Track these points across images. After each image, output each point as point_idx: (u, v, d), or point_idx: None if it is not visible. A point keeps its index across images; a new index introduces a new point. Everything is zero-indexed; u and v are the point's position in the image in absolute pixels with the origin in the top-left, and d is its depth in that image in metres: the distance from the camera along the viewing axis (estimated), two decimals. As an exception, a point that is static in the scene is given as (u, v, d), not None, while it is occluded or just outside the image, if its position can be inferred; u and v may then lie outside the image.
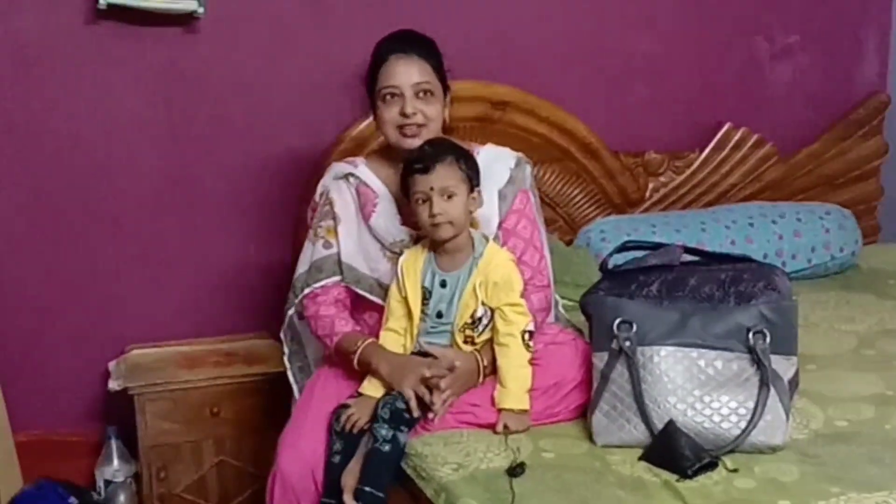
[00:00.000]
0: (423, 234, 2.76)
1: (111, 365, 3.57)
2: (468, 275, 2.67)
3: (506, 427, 2.56)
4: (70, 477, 3.50)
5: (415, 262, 2.72)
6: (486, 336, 2.70)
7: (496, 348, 2.67)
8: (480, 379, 2.66)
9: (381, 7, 3.67)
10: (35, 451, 3.51)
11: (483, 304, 2.66)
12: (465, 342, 2.69)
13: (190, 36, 3.53)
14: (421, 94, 2.78)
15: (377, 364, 2.66)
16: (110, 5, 3.32)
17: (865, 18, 4.55)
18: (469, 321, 2.68)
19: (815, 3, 4.43)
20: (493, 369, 2.66)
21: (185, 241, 3.68)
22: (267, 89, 3.65)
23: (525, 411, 2.61)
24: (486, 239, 2.74)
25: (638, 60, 4.17)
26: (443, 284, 2.69)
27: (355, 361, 2.70)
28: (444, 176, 2.62)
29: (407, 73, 2.78)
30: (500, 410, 2.61)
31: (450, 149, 2.67)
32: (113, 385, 3.43)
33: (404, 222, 2.84)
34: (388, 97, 2.79)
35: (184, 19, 3.48)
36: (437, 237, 2.65)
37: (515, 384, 2.62)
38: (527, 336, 2.66)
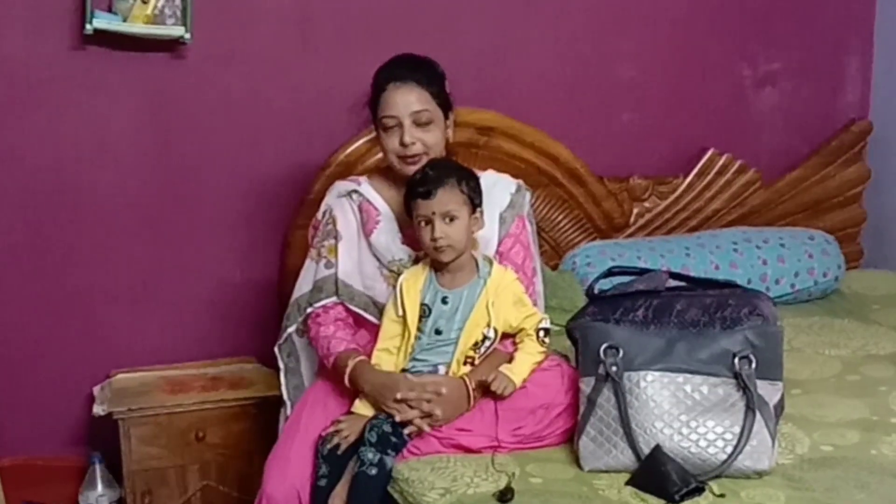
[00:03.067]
0: (424, 254, 2.78)
1: (96, 390, 3.56)
2: (475, 295, 2.70)
3: (493, 389, 2.64)
4: (54, 502, 3.48)
5: (415, 281, 2.74)
6: (484, 356, 2.74)
7: (515, 350, 2.76)
8: (471, 404, 2.66)
9: (367, 33, 3.68)
10: (19, 476, 3.48)
11: (490, 325, 2.69)
12: (465, 363, 2.70)
13: (177, 61, 3.53)
14: (419, 123, 2.79)
15: (363, 384, 2.68)
16: (97, 31, 3.32)
17: (848, 45, 4.58)
18: (474, 342, 2.70)
19: (798, 31, 4.46)
20: (483, 393, 2.67)
21: (171, 266, 3.68)
22: (254, 114, 3.65)
23: (514, 384, 2.67)
24: (490, 261, 2.77)
25: (622, 86, 4.19)
26: (444, 301, 2.70)
27: (346, 381, 2.72)
28: (446, 200, 2.65)
29: (405, 102, 2.79)
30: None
31: (452, 171, 2.70)
32: (97, 410, 3.41)
33: (405, 241, 2.86)
34: (388, 127, 2.80)
35: (171, 45, 3.48)
36: (439, 259, 2.69)
37: (520, 362, 2.72)
38: (541, 333, 2.74)
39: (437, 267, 2.74)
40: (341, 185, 2.99)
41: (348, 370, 2.71)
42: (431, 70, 2.88)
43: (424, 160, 2.79)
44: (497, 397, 2.65)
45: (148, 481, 3.42)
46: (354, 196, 2.93)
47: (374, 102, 2.85)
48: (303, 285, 2.94)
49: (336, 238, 2.90)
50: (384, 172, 2.99)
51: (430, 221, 2.65)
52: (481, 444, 2.62)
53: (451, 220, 2.65)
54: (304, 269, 2.97)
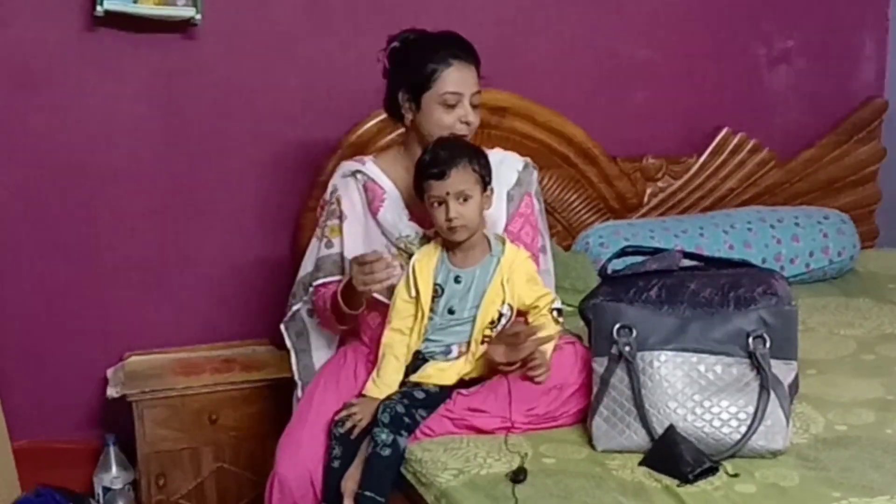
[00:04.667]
0: (434, 233, 2.78)
1: (109, 372, 3.57)
2: (488, 273, 2.70)
3: (534, 376, 2.63)
4: (68, 484, 3.49)
5: (428, 262, 2.73)
6: None
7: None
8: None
9: (379, 11, 3.67)
10: (33, 458, 3.50)
11: (505, 301, 2.68)
12: (483, 342, 2.69)
13: (188, 42, 3.53)
14: (474, 104, 2.81)
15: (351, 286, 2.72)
16: (108, 13, 3.31)
17: (862, 23, 4.56)
18: (490, 320, 2.69)
19: (812, 8, 4.44)
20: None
21: (183, 248, 3.68)
22: (265, 95, 3.65)
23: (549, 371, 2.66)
24: (503, 239, 2.77)
25: (636, 66, 4.18)
26: (457, 280, 2.70)
27: (339, 298, 2.77)
28: (460, 180, 2.63)
29: (469, 80, 2.81)
30: None
31: (463, 150, 2.69)
32: (111, 392, 3.43)
33: (412, 219, 2.86)
34: (449, 104, 2.79)
35: (181, 26, 3.48)
36: (454, 239, 2.68)
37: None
38: (555, 313, 2.72)
39: (450, 246, 2.73)
40: (346, 166, 2.99)
41: (339, 287, 2.77)
42: (477, 55, 2.88)
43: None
44: (531, 379, 2.65)
45: (162, 463, 3.43)
46: (359, 176, 2.92)
47: (423, 73, 2.80)
48: (307, 264, 2.98)
49: (340, 218, 2.91)
50: (390, 151, 3.00)
51: (443, 202, 2.64)
52: (494, 425, 2.61)
53: (465, 199, 2.64)
54: (310, 248, 3.00)
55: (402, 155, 2.92)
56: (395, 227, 2.86)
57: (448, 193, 2.63)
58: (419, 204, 2.76)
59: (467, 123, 2.79)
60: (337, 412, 2.66)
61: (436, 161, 2.65)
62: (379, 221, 2.87)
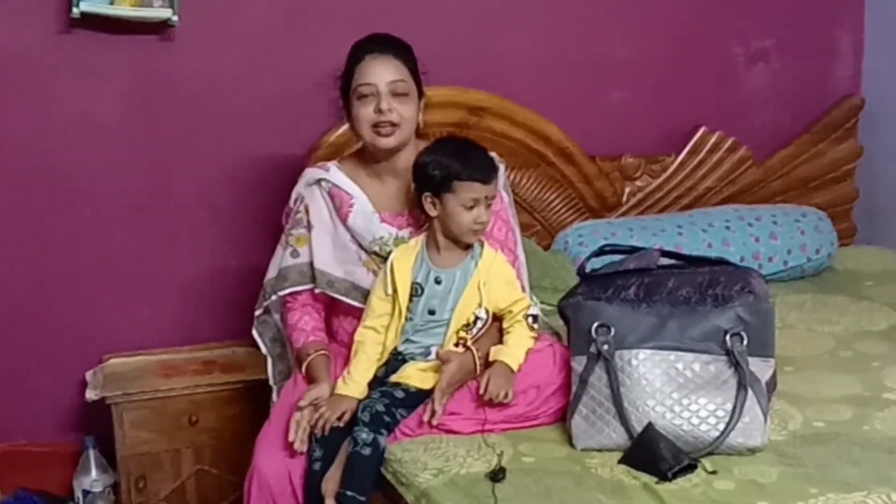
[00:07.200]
0: (409, 234, 2.79)
1: (88, 374, 3.56)
2: (467, 274, 2.70)
3: (487, 386, 2.59)
4: (48, 488, 3.48)
5: (406, 260, 2.74)
6: (477, 337, 2.72)
7: (504, 334, 2.73)
8: (477, 372, 2.67)
9: (356, 13, 3.66)
10: (12, 461, 3.49)
11: (482, 305, 2.69)
12: (457, 344, 2.69)
13: (164, 44, 3.52)
14: (396, 93, 2.79)
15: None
16: (84, 14, 3.30)
17: (839, 21, 4.57)
18: (465, 323, 2.69)
19: (789, 7, 4.45)
20: (487, 364, 2.68)
21: (163, 250, 3.67)
22: (243, 96, 3.64)
23: (513, 373, 2.64)
24: (481, 242, 2.77)
25: (614, 65, 4.18)
26: (437, 281, 2.70)
27: (303, 372, 2.78)
28: (494, 187, 2.71)
29: (383, 71, 2.79)
30: (492, 362, 2.65)
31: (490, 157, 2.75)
32: (90, 395, 3.42)
33: (383, 220, 2.86)
34: (363, 95, 2.79)
35: (158, 27, 3.47)
36: (470, 241, 2.71)
37: (515, 346, 2.69)
38: (530, 319, 2.72)
39: (434, 247, 2.73)
40: (310, 173, 2.98)
41: (304, 365, 2.79)
42: (408, 48, 2.88)
43: (397, 133, 2.80)
44: (497, 404, 2.63)
45: (142, 466, 3.42)
46: (323, 184, 2.92)
47: (347, 75, 2.85)
48: (271, 270, 2.99)
49: (308, 228, 2.91)
50: (354, 157, 2.99)
51: (475, 205, 2.66)
52: (471, 428, 2.61)
53: (489, 205, 2.70)
54: (275, 255, 3.01)
55: (364, 159, 2.92)
56: (368, 230, 2.85)
57: (486, 197, 2.68)
58: (388, 207, 2.81)
59: (381, 111, 2.77)
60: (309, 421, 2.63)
61: (482, 165, 2.69)
62: (349, 227, 2.87)
